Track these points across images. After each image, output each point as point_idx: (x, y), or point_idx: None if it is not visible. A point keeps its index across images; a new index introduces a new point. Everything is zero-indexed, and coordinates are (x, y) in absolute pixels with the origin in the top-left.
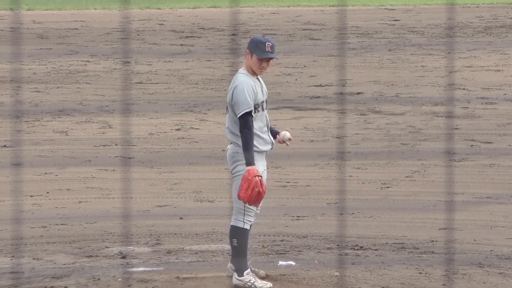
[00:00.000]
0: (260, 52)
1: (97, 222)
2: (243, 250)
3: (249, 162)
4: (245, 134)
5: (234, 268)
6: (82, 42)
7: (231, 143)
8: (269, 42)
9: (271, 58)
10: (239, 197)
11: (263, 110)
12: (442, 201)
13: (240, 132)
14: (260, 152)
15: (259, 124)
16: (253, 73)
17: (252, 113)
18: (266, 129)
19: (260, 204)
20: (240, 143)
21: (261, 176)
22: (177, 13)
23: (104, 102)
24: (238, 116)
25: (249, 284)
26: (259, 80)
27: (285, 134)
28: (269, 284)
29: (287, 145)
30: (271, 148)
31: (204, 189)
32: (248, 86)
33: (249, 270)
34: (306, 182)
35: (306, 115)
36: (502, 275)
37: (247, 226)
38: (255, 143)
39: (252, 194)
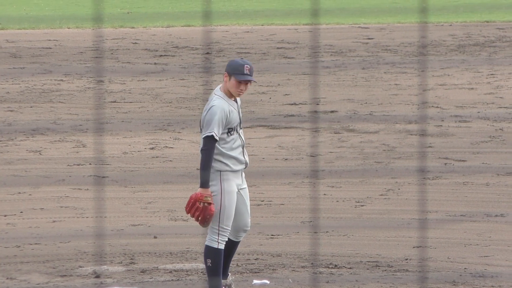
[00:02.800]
0: (239, 75)
1: (71, 242)
2: (217, 270)
3: (202, 182)
4: (203, 155)
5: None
6: (56, 61)
7: None
8: (247, 64)
9: (250, 81)
10: (186, 211)
11: (237, 131)
12: (416, 219)
13: (200, 151)
14: (234, 171)
15: (232, 145)
16: (231, 95)
17: (216, 137)
18: (241, 149)
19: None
20: (213, 164)
21: (207, 203)
22: (151, 32)
23: (77, 121)
24: (202, 136)
25: None
26: (236, 102)
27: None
28: None
29: None
30: (245, 167)
31: (178, 208)
32: (222, 111)
33: None
34: (280, 200)
35: (280, 134)
36: None
37: (221, 246)
38: (229, 163)
39: (192, 215)
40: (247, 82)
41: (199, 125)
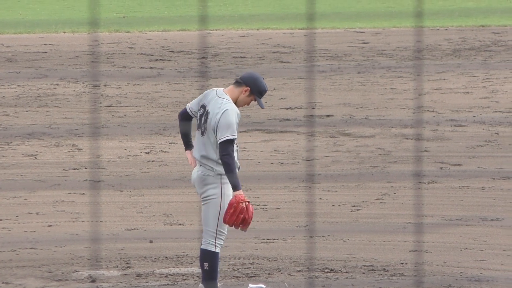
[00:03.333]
0: (260, 98)
1: (66, 246)
2: (214, 274)
3: (235, 186)
4: (226, 160)
5: None
6: (51, 66)
7: (200, 166)
8: (267, 89)
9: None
10: (224, 222)
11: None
12: (411, 223)
13: (221, 158)
14: None
15: (234, 149)
16: (235, 103)
17: (236, 140)
18: (237, 154)
19: (248, 228)
20: (213, 166)
21: (248, 202)
22: (147, 36)
23: (73, 126)
24: (221, 140)
25: None
26: None
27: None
28: None
29: None
30: (238, 170)
31: (174, 212)
32: (237, 115)
33: None
34: (276, 204)
35: (275, 138)
36: None
37: (218, 250)
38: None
39: (237, 220)
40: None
41: (200, 130)
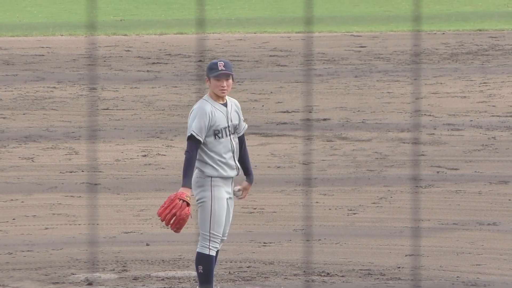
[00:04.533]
0: (214, 72)
1: (63, 249)
2: (209, 277)
3: (183, 183)
4: (186, 156)
5: None
6: (49, 69)
7: (195, 168)
8: (221, 61)
9: (228, 75)
10: (157, 214)
11: (227, 135)
12: (408, 227)
13: (184, 153)
14: (224, 178)
15: (221, 150)
16: (218, 98)
17: (198, 138)
18: (231, 155)
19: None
20: (203, 169)
21: (187, 203)
22: (144, 39)
23: (70, 129)
24: (187, 138)
25: None
26: (225, 106)
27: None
28: None
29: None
30: (237, 174)
31: None
32: (202, 112)
33: None
34: (273, 208)
35: (272, 141)
36: None
37: (212, 253)
38: (218, 168)
39: (168, 214)
40: (226, 78)
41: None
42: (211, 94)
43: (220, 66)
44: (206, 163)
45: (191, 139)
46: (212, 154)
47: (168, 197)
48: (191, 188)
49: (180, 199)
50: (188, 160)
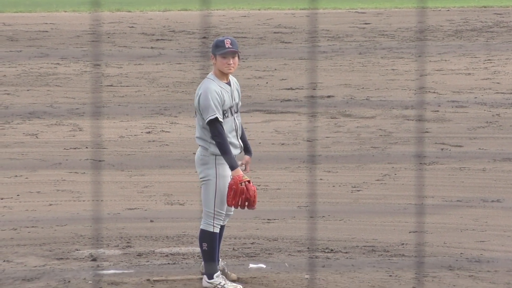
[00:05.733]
0: (221, 50)
1: (67, 225)
2: (213, 254)
3: (231, 166)
4: (217, 140)
5: (203, 272)
6: (52, 45)
7: (199, 146)
8: (227, 39)
9: (235, 53)
10: (228, 205)
11: (231, 115)
12: (412, 204)
13: (212, 139)
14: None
15: (226, 129)
16: (222, 76)
17: (220, 119)
18: (235, 133)
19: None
20: (207, 147)
21: (248, 181)
22: (148, 15)
23: (74, 105)
24: (206, 122)
25: (219, 286)
26: (229, 84)
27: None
28: (240, 286)
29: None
30: (240, 152)
31: (174, 192)
32: (212, 93)
33: (219, 273)
34: (277, 185)
35: (276, 118)
36: (472, 278)
37: (216, 230)
38: None
39: (241, 202)
40: (232, 55)
41: (194, 111)
42: (216, 72)
43: (227, 44)
44: (211, 142)
45: (215, 121)
46: None
47: (229, 187)
48: (238, 166)
49: (240, 183)
50: (222, 144)
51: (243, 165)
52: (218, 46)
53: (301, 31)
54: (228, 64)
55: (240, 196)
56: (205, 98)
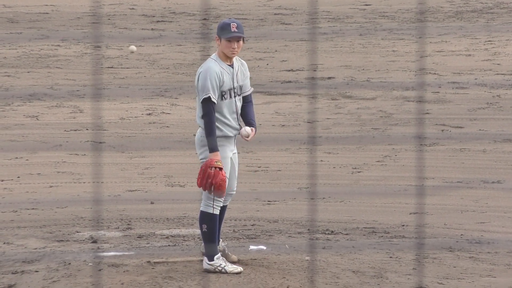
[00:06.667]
0: (227, 34)
1: (68, 207)
2: (213, 235)
3: (211, 148)
4: (205, 120)
5: (203, 252)
6: (53, 27)
7: (199, 127)
8: (234, 22)
9: (240, 38)
10: (198, 185)
11: (231, 97)
12: (412, 185)
13: (202, 117)
14: (228, 137)
15: (226, 111)
16: (225, 58)
17: (213, 100)
18: (235, 116)
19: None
20: None
21: (219, 168)
22: None
23: (75, 87)
24: (200, 101)
25: (220, 268)
26: (232, 67)
27: (243, 131)
28: (240, 268)
29: (246, 140)
30: (237, 134)
31: (175, 173)
32: (212, 73)
33: (219, 254)
34: (277, 166)
35: (277, 100)
36: (472, 259)
37: (216, 212)
38: (223, 128)
39: (206, 185)
40: (237, 39)
41: (196, 92)
42: (219, 54)
43: (233, 27)
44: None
45: (207, 101)
46: (217, 115)
47: (200, 168)
48: (218, 150)
49: (211, 167)
50: (209, 123)
51: (247, 131)
52: (224, 29)
53: (302, 12)
54: (233, 48)
55: (207, 180)
56: (204, 78)
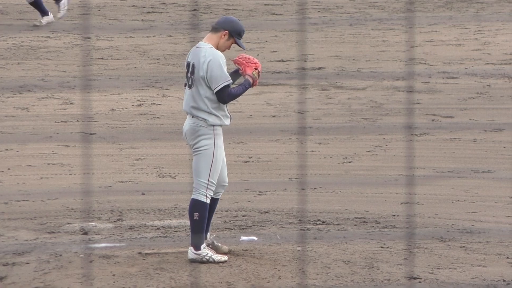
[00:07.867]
0: (240, 39)
1: (58, 198)
2: (202, 224)
3: (246, 85)
4: (233, 98)
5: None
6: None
7: (192, 117)
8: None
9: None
10: (246, 72)
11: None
12: (403, 175)
13: (226, 102)
14: (224, 126)
15: None
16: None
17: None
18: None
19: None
20: (205, 117)
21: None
22: None
23: (65, 78)
24: (217, 89)
25: (207, 258)
26: None
27: None
28: (225, 257)
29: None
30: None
31: (166, 164)
32: (224, 60)
33: (205, 244)
34: (268, 157)
35: (267, 90)
36: (463, 248)
37: (208, 201)
38: (221, 117)
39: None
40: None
41: (188, 82)
42: (214, 45)
43: (244, 33)
44: (210, 112)
45: (227, 88)
46: (217, 104)
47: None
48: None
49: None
50: (238, 93)
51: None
52: (239, 33)
53: (292, 3)
54: (228, 48)
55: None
56: (218, 65)
